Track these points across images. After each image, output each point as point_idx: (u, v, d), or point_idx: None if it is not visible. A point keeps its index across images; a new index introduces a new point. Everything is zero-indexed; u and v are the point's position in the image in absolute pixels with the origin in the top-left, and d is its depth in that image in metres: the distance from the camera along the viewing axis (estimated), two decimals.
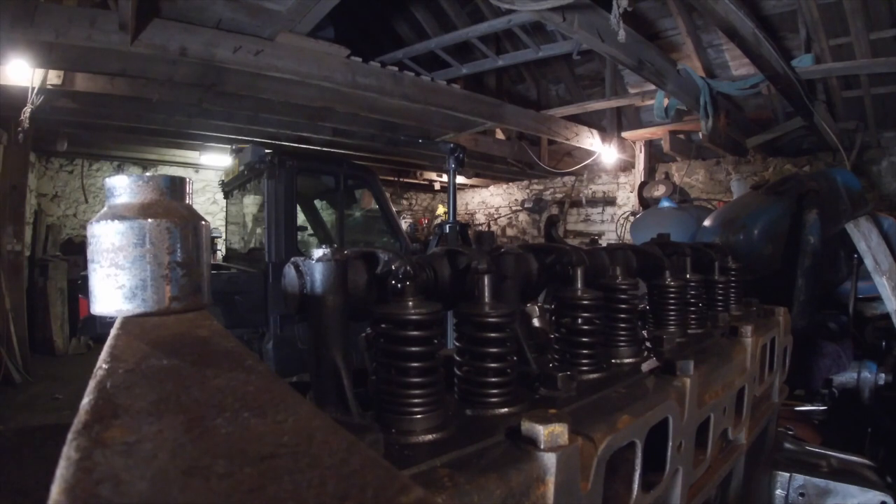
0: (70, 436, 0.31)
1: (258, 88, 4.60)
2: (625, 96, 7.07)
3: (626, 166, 8.74)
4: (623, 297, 1.26)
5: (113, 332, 0.50)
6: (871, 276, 3.01)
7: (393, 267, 0.88)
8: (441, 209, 11.74)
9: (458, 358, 0.93)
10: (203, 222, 0.59)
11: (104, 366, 0.42)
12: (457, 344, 0.93)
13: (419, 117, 5.87)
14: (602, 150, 7.81)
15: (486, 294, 0.91)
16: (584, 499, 0.75)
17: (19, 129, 5.16)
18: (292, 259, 0.86)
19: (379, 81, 4.79)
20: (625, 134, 7.87)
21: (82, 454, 0.29)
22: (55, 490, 0.26)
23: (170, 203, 0.57)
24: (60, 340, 7.26)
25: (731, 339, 1.51)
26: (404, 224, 8.82)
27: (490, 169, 9.29)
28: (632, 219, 7.25)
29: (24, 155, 6.16)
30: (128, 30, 3.33)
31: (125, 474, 0.27)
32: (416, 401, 0.79)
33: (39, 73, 4.18)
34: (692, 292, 1.61)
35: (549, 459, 0.68)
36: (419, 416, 0.78)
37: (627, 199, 8.87)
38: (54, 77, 4.32)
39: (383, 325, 0.82)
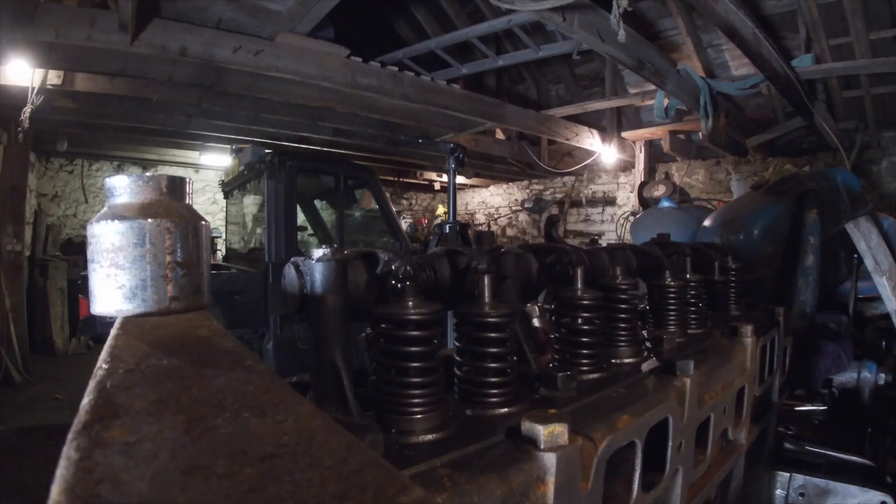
0: (70, 436, 0.31)
1: (258, 88, 4.60)
2: (625, 96, 7.07)
3: (626, 166, 8.74)
4: (623, 297, 1.26)
5: (113, 332, 0.50)
6: (871, 276, 3.01)
7: (393, 267, 0.88)
8: (441, 209, 11.74)
9: (458, 358, 0.93)
10: (203, 222, 0.59)
11: (104, 366, 0.42)
12: (457, 344, 0.93)
13: (419, 117, 5.87)
14: (602, 150, 7.81)
15: (486, 294, 0.91)
16: (584, 499, 0.75)
17: (19, 129, 5.15)
18: (292, 259, 0.86)
19: (379, 81, 4.79)
20: (625, 134, 7.87)
21: (82, 454, 0.29)
22: (55, 490, 0.26)
23: (170, 203, 0.57)
24: (60, 340, 7.26)
25: (731, 339, 1.51)
26: (404, 224, 8.82)
27: (490, 169, 9.28)
28: (632, 219, 7.25)
29: (24, 155, 6.16)
30: (128, 30, 3.33)
31: (125, 474, 0.27)
32: (416, 401, 0.79)
33: (39, 73, 4.18)
34: (692, 292, 1.61)
35: (549, 459, 0.68)
36: (419, 416, 0.78)
37: (627, 199, 8.87)
38: (54, 77, 4.32)
39: (383, 325, 0.82)
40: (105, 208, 0.57)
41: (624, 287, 1.27)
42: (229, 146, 6.53)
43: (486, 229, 11.39)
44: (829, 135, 5.96)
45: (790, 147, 7.25)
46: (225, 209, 6.83)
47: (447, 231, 4.10)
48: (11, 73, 4.05)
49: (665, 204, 5.08)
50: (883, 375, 2.59)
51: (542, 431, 0.69)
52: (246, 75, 4.23)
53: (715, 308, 1.83)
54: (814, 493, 1.88)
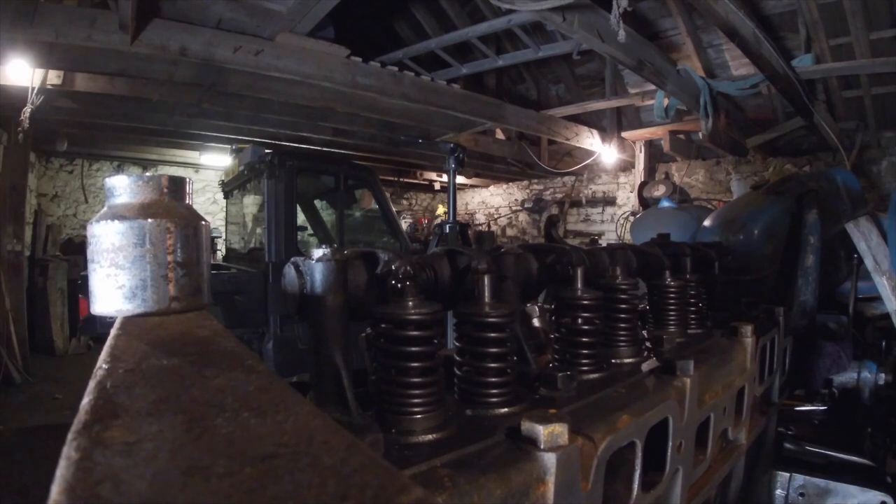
0: (70, 436, 0.31)
1: (258, 88, 4.60)
2: (625, 96, 7.07)
3: (626, 166, 8.74)
4: (623, 297, 1.26)
5: (113, 332, 0.50)
6: (871, 276, 3.01)
7: (393, 267, 0.88)
8: (441, 209, 11.74)
9: (458, 358, 0.93)
10: (203, 222, 0.59)
11: (104, 366, 0.42)
12: (457, 344, 0.93)
13: (419, 117, 5.87)
14: (602, 150, 7.81)
15: (486, 294, 0.91)
16: (584, 499, 0.75)
17: (19, 129, 5.15)
18: (292, 259, 0.86)
19: (379, 81, 4.79)
20: (625, 134, 7.87)
21: (82, 454, 0.29)
22: (55, 490, 0.26)
23: (170, 203, 0.57)
24: (60, 340, 7.26)
25: (731, 339, 1.51)
26: (404, 224, 8.82)
27: (490, 169, 9.28)
28: (632, 219, 7.24)
29: (24, 155, 6.16)
30: (128, 30, 3.33)
31: (125, 474, 0.27)
32: (416, 401, 0.79)
33: (39, 73, 4.18)
34: (692, 292, 1.61)
35: (549, 459, 0.68)
36: (419, 416, 0.78)
37: (627, 199, 8.87)
38: (54, 77, 4.32)
39: (383, 326, 0.82)
40: (105, 208, 0.57)
41: (624, 287, 1.27)
42: (229, 146, 6.53)
43: (486, 229, 11.40)
44: (829, 135, 5.96)
45: (790, 147, 7.24)
46: (225, 209, 6.83)
47: (447, 231, 4.10)
48: (11, 73, 4.04)
49: (665, 204, 5.09)
50: (883, 375, 2.59)
51: (542, 431, 0.69)
52: (246, 75, 4.23)
53: (715, 308, 1.83)
54: (814, 493, 1.88)
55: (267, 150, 5.06)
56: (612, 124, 7.93)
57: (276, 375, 0.44)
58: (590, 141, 7.67)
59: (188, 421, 0.34)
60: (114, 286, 0.54)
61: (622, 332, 1.26)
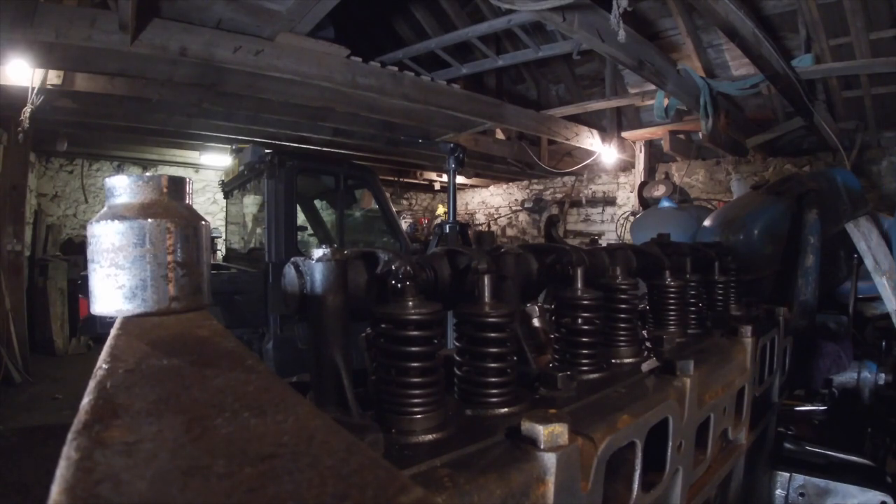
0: (70, 436, 0.31)
1: (258, 88, 4.59)
2: (625, 96, 7.07)
3: (626, 166, 8.74)
4: (623, 297, 1.26)
5: (113, 332, 0.50)
6: (871, 276, 3.01)
7: (393, 267, 0.88)
8: (441, 209, 11.73)
9: (458, 358, 0.93)
10: (203, 222, 0.59)
11: (104, 366, 0.42)
12: (457, 344, 0.93)
13: (419, 117, 5.87)
14: (602, 150, 7.81)
15: (486, 294, 0.91)
16: (584, 499, 0.75)
17: (19, 129, 5.15)
18: (292, 259, 0.86)
19: (379, 81, 4.79)
20: (625, 134, 7.87)
21: (82, 454, 0.29)
22: (55, 490, 0.26)
23: (170, 203, 0.57)
24: (60, 340, 7.26)
25: (731, 339, 1.51)
26: (404, 224, 8.82)
27: (490, 169, 9.28)
28: (632, 219, 7.24)
29: (24, 155, 6.16)
30: (128, 30, 3.32)
31: (125, 474, 0.27)
32: (416, 401, 0.79)
33: (39, 73, 4.18)
34: (692, 292, 1.61)
35: (549, 459, 0.68)
36: (419, 416, 0.78)
37: (627, 199, 8.86)
38: (54, 77, 4.31)
39: (383, 325, 0.82)
40: (105, 208, 0.57)
41: (624, 287, 1.27)
42: (229, 146, 6.53)
43: (486, 229, 11.40)
44: (829, 135, 5.96)
45: (790, 147, 7.25)
46: (225, 209, 6.83)
47: (447, 231, 4.10)
48: (11, 73, 4.04)
49: (665, 204, 5.08)
50: (883, 375, 2.59)
51: (542, 431, 0.69)
52: (246, 75, 4.23)
53: (715, 308, 1.83)
54: (814, 493, 1.88)
55: (267, 150, 5.05)
56: (612, 124, 7.93)
57: (276, 375, 0.44)
58: (590, 141, 7.67)
59: (188, 421, 0.34)
60: (114, 286, 0.54)
61: (622, 332, 1.26)
